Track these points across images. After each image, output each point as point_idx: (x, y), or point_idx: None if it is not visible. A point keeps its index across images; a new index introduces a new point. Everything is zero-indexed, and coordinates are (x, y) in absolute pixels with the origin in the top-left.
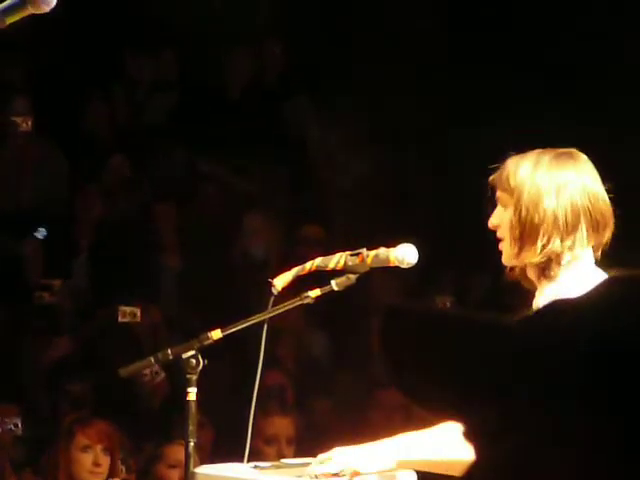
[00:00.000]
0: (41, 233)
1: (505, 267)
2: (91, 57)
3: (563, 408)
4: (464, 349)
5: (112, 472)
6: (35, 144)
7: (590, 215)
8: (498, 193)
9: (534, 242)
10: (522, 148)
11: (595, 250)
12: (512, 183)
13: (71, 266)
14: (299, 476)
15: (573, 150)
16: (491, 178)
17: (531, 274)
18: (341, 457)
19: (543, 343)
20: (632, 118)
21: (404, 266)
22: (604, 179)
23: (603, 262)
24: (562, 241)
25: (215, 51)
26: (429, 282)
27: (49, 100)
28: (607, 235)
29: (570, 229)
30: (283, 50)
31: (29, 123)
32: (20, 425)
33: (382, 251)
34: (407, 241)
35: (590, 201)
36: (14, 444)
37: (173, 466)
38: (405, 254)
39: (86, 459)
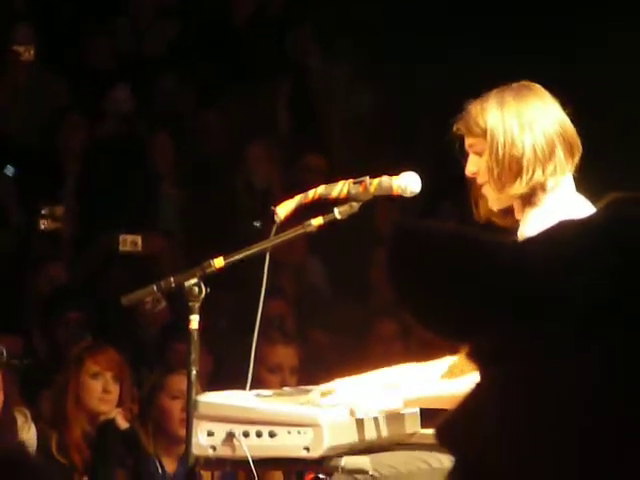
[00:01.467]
0: (9, 170)
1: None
2: None
3: (563, 327)
4: (469, 268)
5: (120, 400)
6: (37, 74)
7: (563, 139)
8: (469, 140)
9: (517, 176)
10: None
11: (572, 170)
12: (482, 126)
13: (58, 194)
14: (301, 403)
15: (529, 82)
16: (455, 128)
17: (517, 207)
18: (345, 396)
19: (550, 261)
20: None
21: (407, 195)
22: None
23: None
24: (544, 170)
25: None
26: (430, 213)
27: (51, 29)
28: (578, 156)
29: (549, 157)
30: None
31: (31, 52)
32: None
33: (385, 179)
34: (408, 171)
35: (561, 127)
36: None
37: (175, 397)
38: (408, 183)
39: (96, 386)
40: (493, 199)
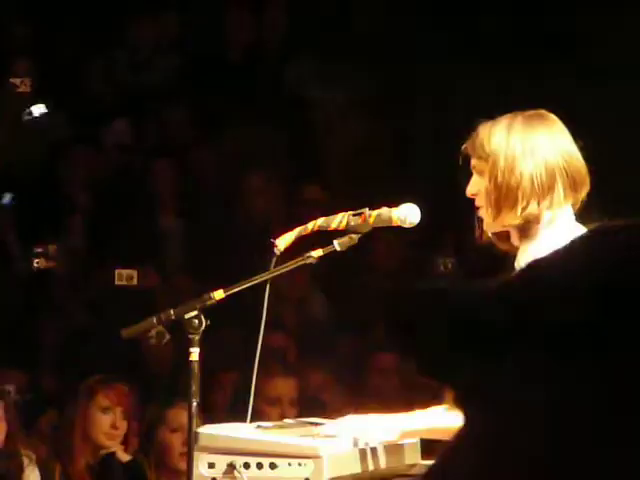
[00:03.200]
0: (7, 198)
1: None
2: (92, 20)
3: (546, 368)
4: (458, 319)
5: (126, 437)
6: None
7: (566, 174)
8: (473, 161)
9: (513, 206)
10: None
11: (574, 207)
12: (487, 149)
13: (63, 228)
14: (302, 435)
15: (543, 111)
16: (464, 147)
17: (513, 236)
18: (347, 427)
19: (524, 303)
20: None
21: (406, 226)
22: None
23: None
24: (539, 203)
25: (216, 13)
26: (430, 243)
27: (50, 62)
28: (584, 192)
29: (547, 190)
30: (285, 10)
31: (28, 84)
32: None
33: (384, 211)
34: (408, 202)
35: (565, 160)
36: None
37: (175, 430)
38: (407, 214)
39: (105, 420)
40: (488, 223)
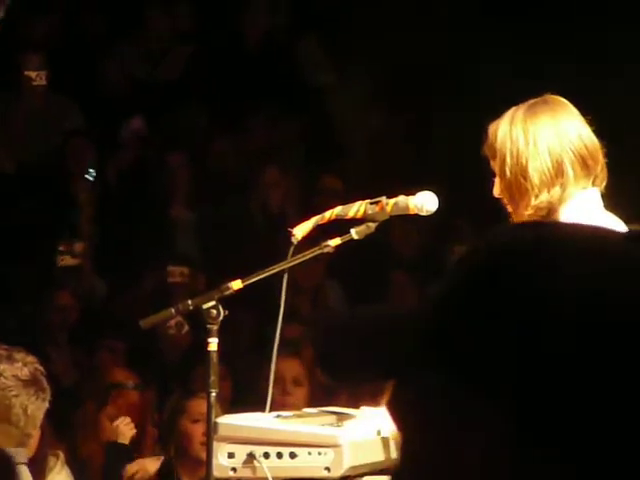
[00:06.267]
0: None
1: None
2: (107, 12)
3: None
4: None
5: (141, 441)
6: (50, 99)
7: (573, 155)
8: (491, 163)
9: (526, 199)
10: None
11: (595, 183)
12: (495, 148)
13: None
14: (321, 424)
15: (547, 96)
16: (483, 150)
17: None
18: (370, 417)
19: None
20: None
21: (424, 214)
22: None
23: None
24: (549, 191)
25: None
26: (447, 231)
27: (65, 56)
28: (599, 167)
29: (555, 176)
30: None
31: (43, 77)
32: None
33: (402, 199)
34: (425, 190)
35: (571, 142)
36: None
37: (196, 420)
38: (425, 201)
39: (113, 429)
40: (515, 217)
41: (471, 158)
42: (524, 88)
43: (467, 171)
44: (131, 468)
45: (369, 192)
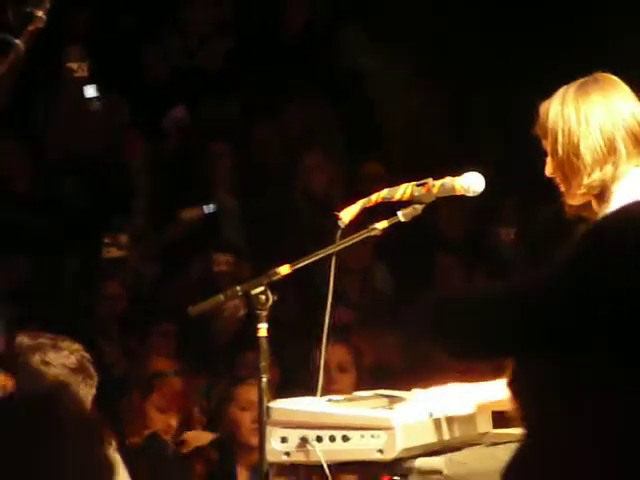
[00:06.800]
0: (209, 208)
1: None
2: (146, 4)
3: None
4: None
5: (187, 423)
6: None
7: (625, 133)
8: (543, 142)
9: (579, 178)
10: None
11: None
12: (546, 128)
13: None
14: (373, 407)
15: (598, 75)
16: (535, 130)
17: (593, 204)
18: (421, 398)
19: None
20: None
21: (470, 194)
22: None
23: None
24: (602, 169)
25: None
26: (492, 213)
27: (105, 47)
28: None
29: (607, 155)
30: None
31: (84, 69)
32: None
33: (448, 180)
34: (469, 171)
35: (623, 119)
36: None
37: (244, 408)
38: (471, 182)
39: (159, 418)
40: (566, 197)
41: (517, 139)
42: (570, 69)
43: (512, 152)
44: (187, 435)
45: (413, 176)
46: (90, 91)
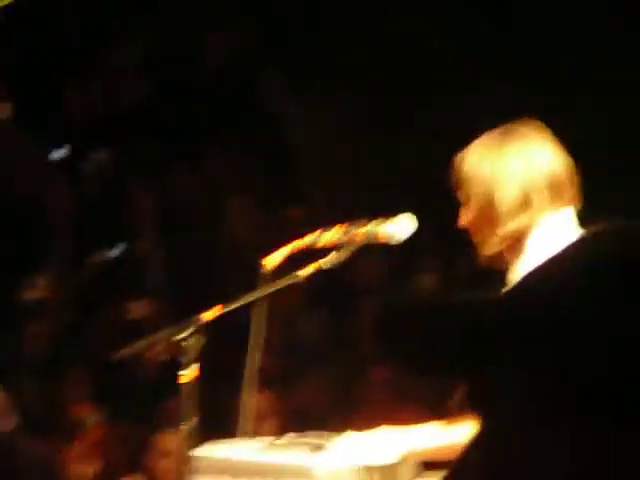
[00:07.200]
0: (114, 252)
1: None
2: (65, 45)
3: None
4: (453, 328)
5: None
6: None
7: (541, 183)
8: (457, 192)
9: (493, 231)
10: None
11: (570, 203)
12: (460, 179)
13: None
14: (299, 453)
15: (516, 123)
16: (450, 180)
17: (506, 255)
18: (349, 447)
19: (521, 315)
20: None
21: (393, 242)
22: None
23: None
24: (516, 219)
25: (190, 33)
26: (414, 260)
27: (28, 88)
28: (573, 191)
29: (523, 206)
30: (256, 28)
31: (7, 109)
32: None
33: (371, 228)
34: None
35: (540, 170)
36: None
37: (164, 456)
38: (395, 230)
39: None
40: (481, 247)
41: (438, 189)
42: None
43: (434, 202)
44: None
45: (339, 220)
46: (10, 134)
